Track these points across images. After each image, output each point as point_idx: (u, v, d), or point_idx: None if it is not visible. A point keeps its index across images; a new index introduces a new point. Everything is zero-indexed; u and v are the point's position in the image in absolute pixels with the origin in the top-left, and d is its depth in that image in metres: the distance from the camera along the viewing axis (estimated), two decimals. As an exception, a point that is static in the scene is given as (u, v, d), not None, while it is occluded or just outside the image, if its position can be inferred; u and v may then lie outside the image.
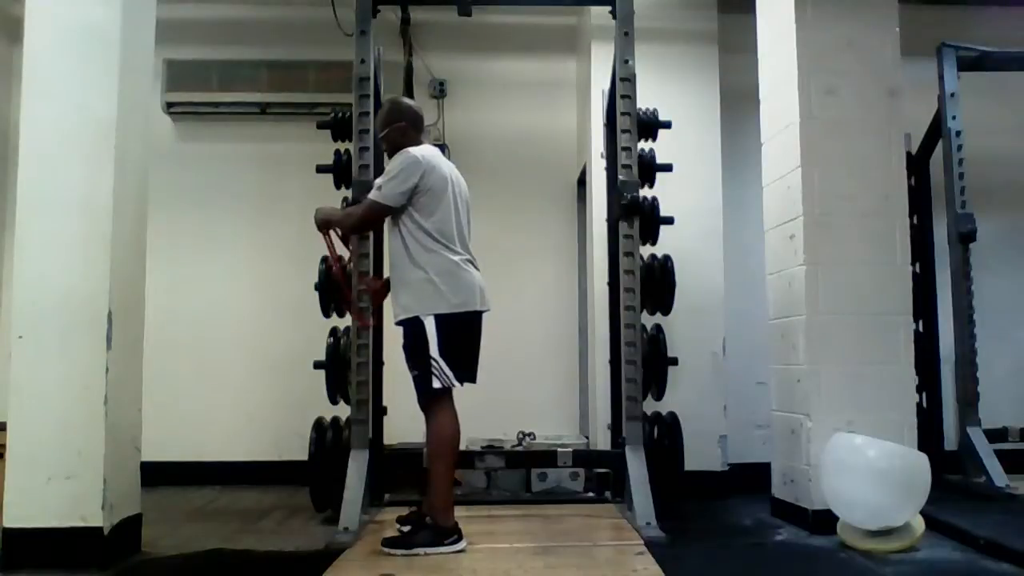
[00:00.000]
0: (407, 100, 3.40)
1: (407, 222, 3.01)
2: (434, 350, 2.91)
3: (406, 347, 3.01)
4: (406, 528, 3.05)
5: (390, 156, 3.21)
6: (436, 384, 2.92)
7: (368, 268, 3.69)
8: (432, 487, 2.98)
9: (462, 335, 3.00)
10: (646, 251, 4.03)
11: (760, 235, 3.99)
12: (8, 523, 2.87)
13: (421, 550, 2.87)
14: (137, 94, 3.24)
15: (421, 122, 3.30)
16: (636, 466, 3.51)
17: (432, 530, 2.93)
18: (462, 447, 4.31)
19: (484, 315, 3.11)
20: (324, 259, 3.89)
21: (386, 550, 2.90)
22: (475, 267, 3.10)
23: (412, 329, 2.98)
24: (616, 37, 3.83)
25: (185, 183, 5.08)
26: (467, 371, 3.05)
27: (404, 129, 3.20)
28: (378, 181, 3.05)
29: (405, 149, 3.06)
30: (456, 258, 3.00)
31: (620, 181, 3.75)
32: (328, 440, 3.78)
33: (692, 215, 4.38)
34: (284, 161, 5.11)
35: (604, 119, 4.31)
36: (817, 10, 3.63)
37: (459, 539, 2.95)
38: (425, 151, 3.09)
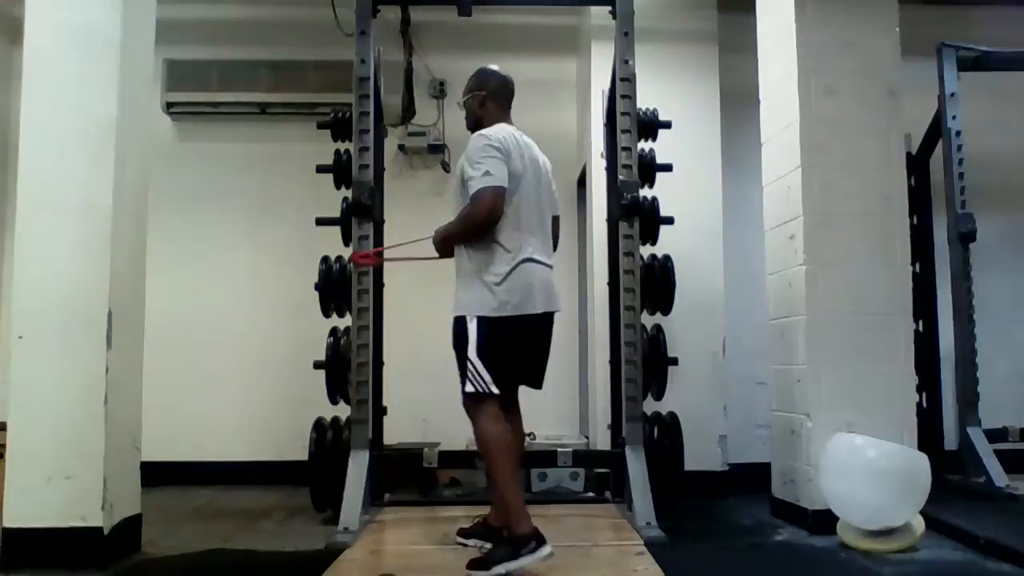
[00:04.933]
0: (498, 70, 3.08)
1: None
2: (472, 351, 2.74)
3: (453, 342, 2.84)
4: (469, 541, 2.95)
5: (468, 126, 3.04)
6: (468, 388, 2.75)
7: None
8: (495, 497, 2.84)
9: (508, 339, 2.76)
10: (646, 251, 4.03)
11: (760, 235, 3.99)
12: (8, 523, 2.87)
13: (502, 567, 2.59)
14: (137, 94, 3.24)
15: (505, 94, 3.04)
16: (636, 466, 3.51)
17: (508, 542, 2.67)
18: (462, 447, 4.35)
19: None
20: (324, 259, 3.90)
21: (470, 573, 2.64)
22: (540, 261, 2.85)
23: (456, 326, 2.81)
24: (616, 37, 3.83)
25: (185, 183, 5.08)
26: (515, 376, 2.87)
27: (482, 99, 3.00)
28: (468, 172, 2.77)
29: (479, 133, 2.85)
30: (515, 256, 2.77)
31: (620, 181, 3.75)
32: (328, 440, 3.78)
33: (692, 215, 4.38)
34: (284, 161, 5.11)
35: (604, 119, 4.31)
36: (817, 10, 3.64)
37: (539, 545, 2.62)
38: (501, 133, 2.84)
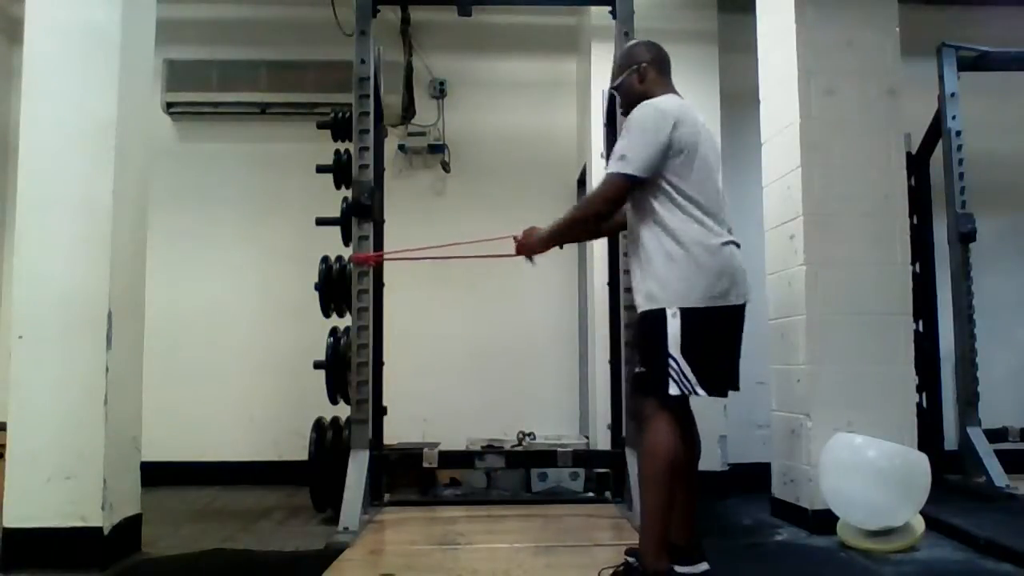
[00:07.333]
0: (650, 41, 2.74)
1: (658, 192, 2.44)
2: (674, 347, 2.37)
3: (635, 340, 2.55)
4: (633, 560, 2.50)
5: (625, 111, 2.65)
6: (673, 389, 2.37)
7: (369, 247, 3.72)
8: (641, 521, 2.48)
9: (715, 334, 2.44)
10: (646, 251, 4.02)
11: (760, 235, 3.99)
12: (8, 523, 2.87)
13: None
14: (137, 94, 3.24)
15: (666, 62, 2.67)
16: (636, 466, 3.51)
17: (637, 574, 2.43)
18: (462, 447, 4.36)
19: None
20: (324, 259, 3.90)
21: (628, 559, 2.51)
22: (737, 245, 2.54)
23: (650, 321, 2.44)
24: (616, 37, 3.83)
25: (185, 183, 5.09)
26: (719, 379, 2.49)
27: (644, 72, 2.61)
28: (617, 148, 2.47)
29: (646, 102, 2.52)
30: (717, 239, 2.45)
31: (620, 181, 3.74)
32: (328, 440, 3.78)
33: (692, 215, 4.37)
34: (284, 161, 5.12)
35: (604, 119, 4.30)
36: (817, 10, 3.64)
37: None
38: (670, 101, 2.52)
